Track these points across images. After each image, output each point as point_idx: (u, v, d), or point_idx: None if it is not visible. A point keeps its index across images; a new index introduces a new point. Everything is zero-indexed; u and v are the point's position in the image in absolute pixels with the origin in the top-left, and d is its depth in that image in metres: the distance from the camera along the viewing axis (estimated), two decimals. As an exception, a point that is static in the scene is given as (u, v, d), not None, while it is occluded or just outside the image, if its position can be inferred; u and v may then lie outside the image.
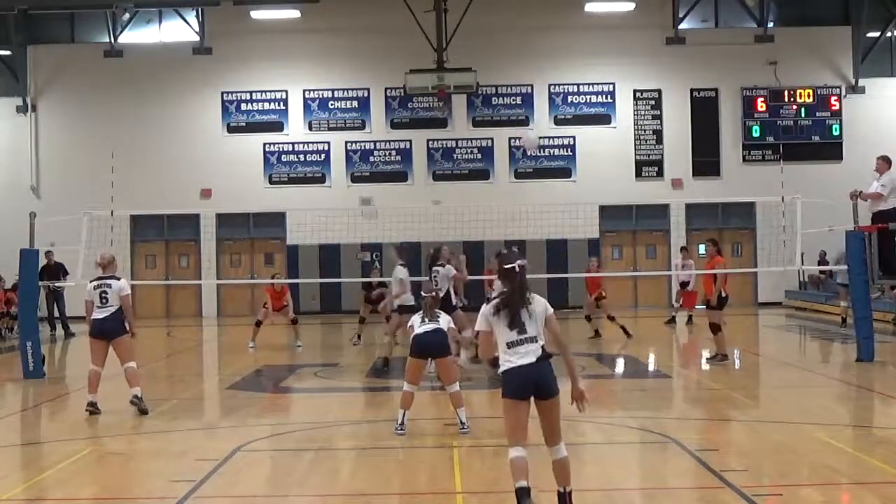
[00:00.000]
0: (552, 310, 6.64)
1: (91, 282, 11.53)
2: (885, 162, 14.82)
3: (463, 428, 9.61)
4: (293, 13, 28.47)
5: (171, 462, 8.90)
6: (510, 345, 6.51)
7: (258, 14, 28.57)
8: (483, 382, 13.59)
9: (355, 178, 29.53)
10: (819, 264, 26.10)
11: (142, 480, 8.28)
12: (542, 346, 6.51)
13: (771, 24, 30.09)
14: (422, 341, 9.78)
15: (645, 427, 9.99)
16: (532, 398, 6.44)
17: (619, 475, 8.18)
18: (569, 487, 6.50)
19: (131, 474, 8.38)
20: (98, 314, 11.24)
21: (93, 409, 11.06)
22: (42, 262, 19.52)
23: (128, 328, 11.31)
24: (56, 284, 21.37)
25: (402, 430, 9.57)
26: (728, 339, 15.93)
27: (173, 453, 9.35)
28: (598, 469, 8.39)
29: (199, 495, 7.51)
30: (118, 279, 11.40)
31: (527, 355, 6.45)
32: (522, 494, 6.27)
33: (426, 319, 9.89)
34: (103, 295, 11.22)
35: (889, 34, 29.87)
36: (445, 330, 9.90)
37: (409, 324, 10.08)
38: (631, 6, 28.77)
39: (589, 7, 28.69)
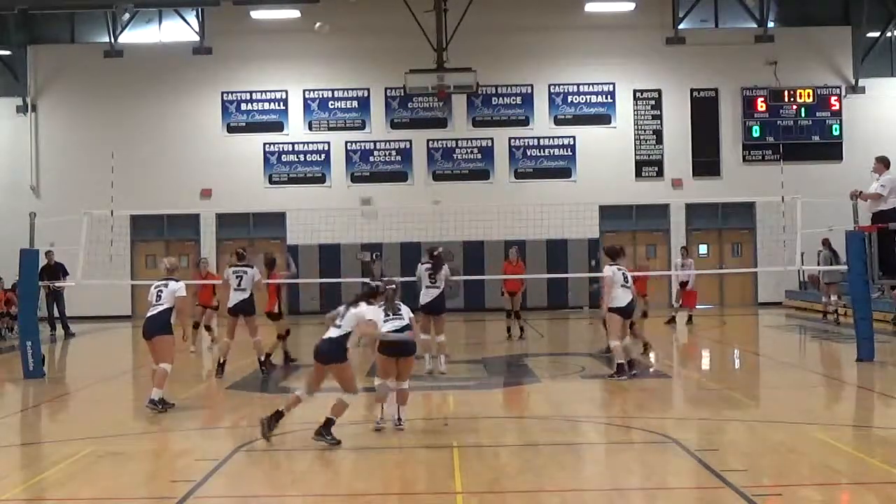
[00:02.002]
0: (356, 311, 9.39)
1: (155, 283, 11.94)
2: (882, 163, 14.81)
3: (398, 425, 9.76)
4: (293, 13, 28.47)
5: (171, 462, 8.92)
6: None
7: (258, 14, 28.58)
8: (483, 383, 13.60)
9: (355, 178, 29.53)
10: (819, 264, 26.03)
11: (142, 480, 8.27)
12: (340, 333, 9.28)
13: (771, 24, 30.08)
14: (392, 343, 9.72)
15: (645, 427, 9.98)
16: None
17: (619, 475, 8.17)
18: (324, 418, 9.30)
19: (131, 474, 8.36)
20: (148, 312, 11.53)
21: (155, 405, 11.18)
22: (42, 262, 19.49)
23: (172, 329, 11.48)
24: (56, 284, 21.34)
25: (382, 423, 9.79)
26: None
27: (173, 453, 9.37)
28: (598, 469, 8.40)
29: (199, 495, 7.51)
30: (177, 281, 11.63)
31: (327, 332, 9.37)
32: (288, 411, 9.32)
33: (389, 313, 9.76)
34: (159, 294, 11.49)
35: (889, 34, 29.86)
36: (410, 325, 9.80)
37: (370, 318, 9.42)
38: (631, 6, 28.77)
39: (589, 7, 28.69)
